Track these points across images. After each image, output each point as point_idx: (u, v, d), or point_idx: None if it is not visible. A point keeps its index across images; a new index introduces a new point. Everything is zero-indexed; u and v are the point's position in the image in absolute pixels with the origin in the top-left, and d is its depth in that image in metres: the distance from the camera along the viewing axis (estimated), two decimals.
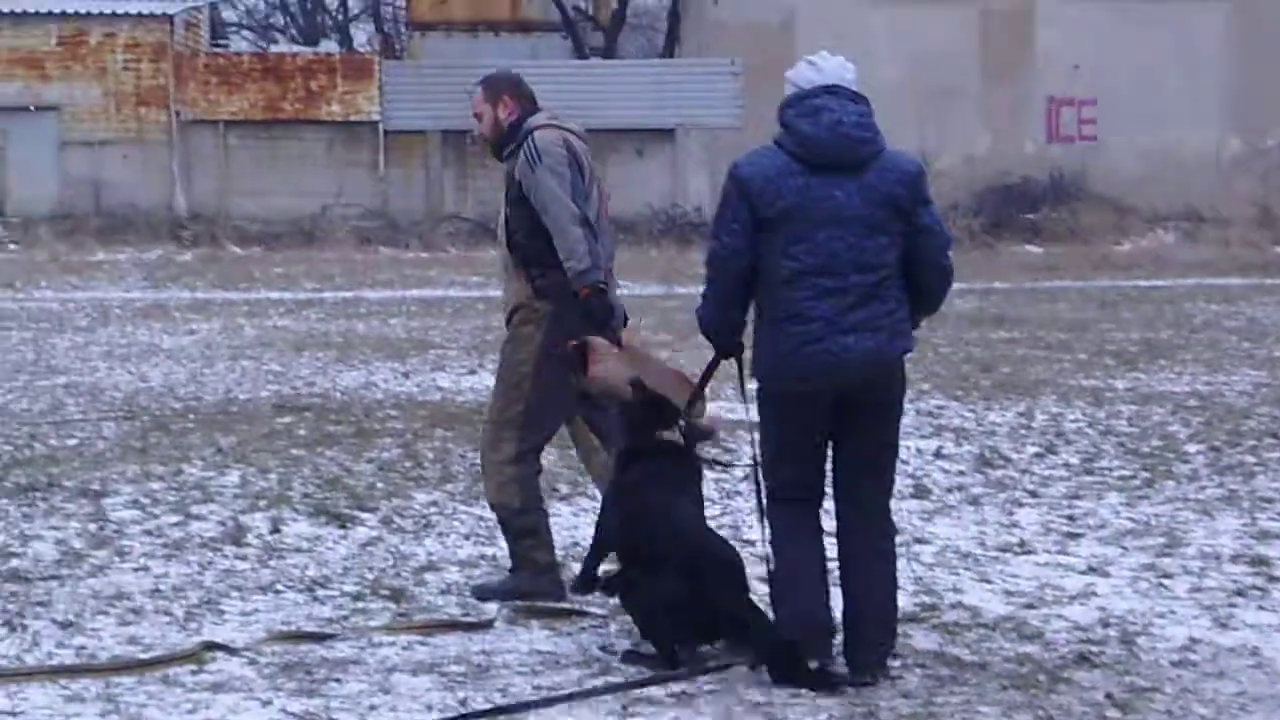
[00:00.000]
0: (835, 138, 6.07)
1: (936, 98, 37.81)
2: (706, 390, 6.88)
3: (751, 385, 6.42)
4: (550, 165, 7.33)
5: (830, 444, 6.35)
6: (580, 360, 7.02)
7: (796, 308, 6.05)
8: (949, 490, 10.02)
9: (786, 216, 6.04)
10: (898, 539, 8.53)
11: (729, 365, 6.54)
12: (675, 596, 6.33)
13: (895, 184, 6.12)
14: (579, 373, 7.03)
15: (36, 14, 38.84)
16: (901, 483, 10.08)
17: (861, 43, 37.70)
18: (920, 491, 9.96)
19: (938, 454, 11.18)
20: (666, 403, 6.80)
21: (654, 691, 6.08)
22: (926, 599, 7.49)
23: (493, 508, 7.60)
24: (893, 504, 9.51)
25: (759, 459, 6.44)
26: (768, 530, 6.39)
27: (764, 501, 6.43)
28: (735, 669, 6.34)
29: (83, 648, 6.68)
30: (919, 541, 8.66)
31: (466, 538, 8.73)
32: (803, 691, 6.08)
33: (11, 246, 33.37)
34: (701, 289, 6.33)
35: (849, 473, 6.37)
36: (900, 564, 8.02)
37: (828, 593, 6.40)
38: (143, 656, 6.51)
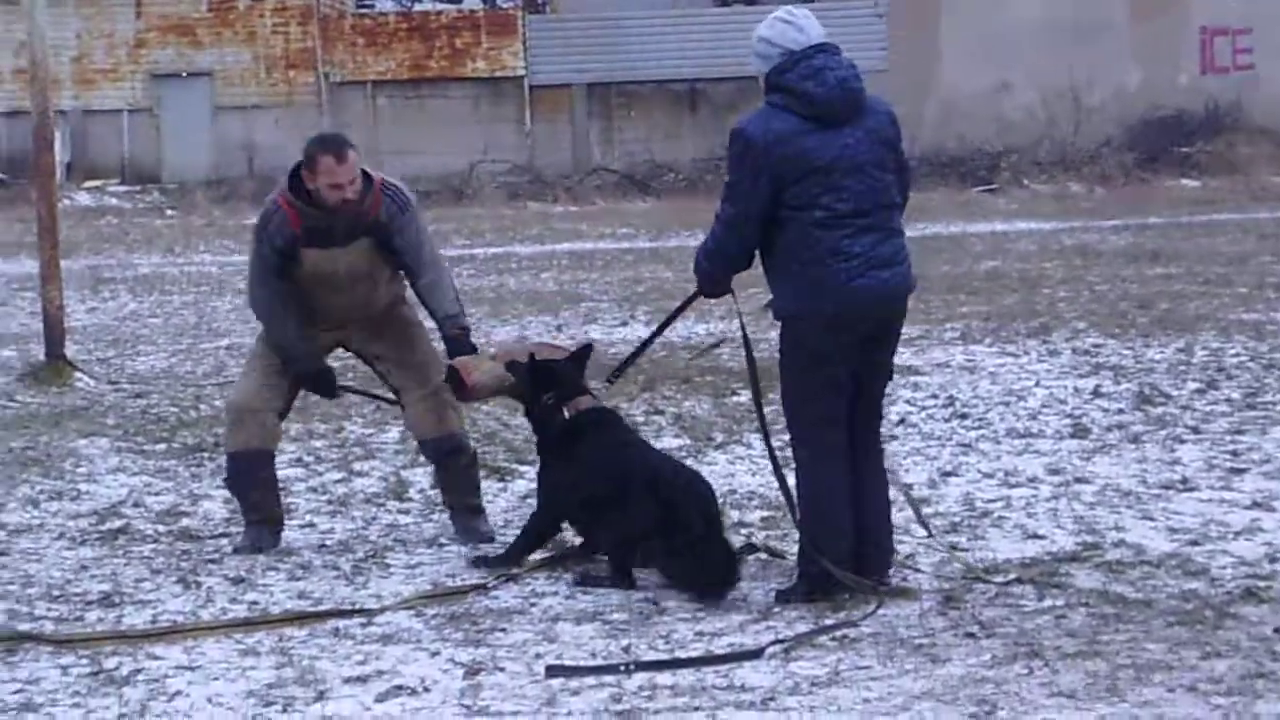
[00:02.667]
0: (843, 93, 6.46)
1: (1084, 32, 37.22)
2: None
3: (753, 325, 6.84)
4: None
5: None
6: (458, 384, 7.44)
7: (838, 246, 6.43)
8: (1108, 429, 9.93)
9: (813, 171, 6.39)
10: (1057, 480, 8.55)
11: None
12: (648, 524, 6.79)
13: (886, 124, 6.60)
14: (460, 394, 7.53)
15: None
16: (1059, 422, 10.07)
17: None
18: (1079, 431, 9.88)
19: (1096, 392, 11.07)
20: (550, 361, 7.33)
21: (819, 637, 6.10)
22: (1088, 538, 7.44)
23: None
24: (1052, 444, 9.54)
25: (782, 401, 6.72)
26: (802, 459, 6.64)
27: (772, 440, 6.79)
28: (895, 610, 6.35)
29: (255, 603, 6.83)
30: (1079, 481, 8.59)
31: None
32: (966, 632, 6.08)
33: (169, 212, 33.95)
34: (706, 243, 6.66)
35: (864, 402, 6.69)
36: (1060, 504, 8.06)
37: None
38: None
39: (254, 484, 7.71)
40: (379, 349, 7.85)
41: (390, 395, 8.02)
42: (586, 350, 7.55)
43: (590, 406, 7.32)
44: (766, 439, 6.91)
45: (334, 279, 7.58)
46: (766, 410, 6.98)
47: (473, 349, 7.62)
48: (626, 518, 6.89)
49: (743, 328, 7.02)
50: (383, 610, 6.58)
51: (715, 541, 6.83)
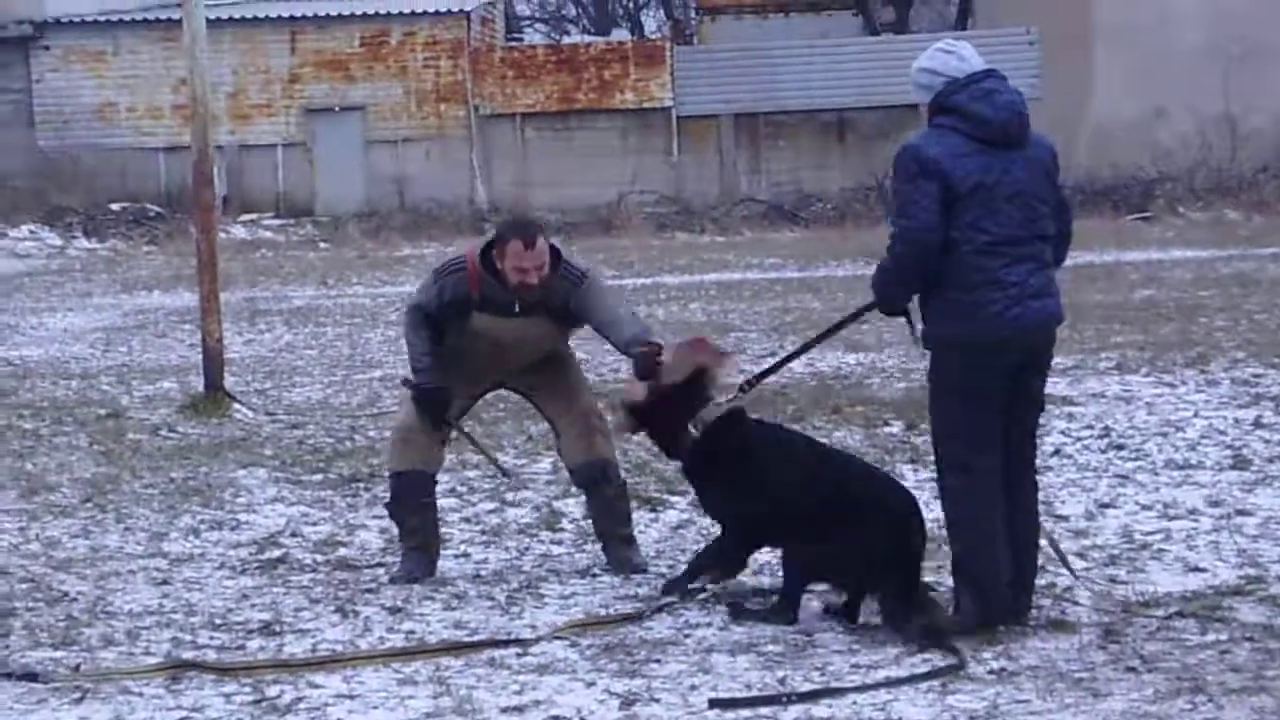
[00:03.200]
0: (1012, 117, 6.50)
1: (1243, 57, 36.69)
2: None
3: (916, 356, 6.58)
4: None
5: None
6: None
7: (994, 275, 6.43)
8: (1270, 460, 9.75)
9: (974, 192, 6.41)
10: (1217, 511, 8.41)
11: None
12: (886, 547, 6.64)
13: (1047, 156, 6.62)
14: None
15: (340, 16, 40.00)
16: (1219, 454, 9.90)
17: (1160, 3, 36.86)
18: (1240, 462, 9.72)
19: (1257, 423, 10.89)
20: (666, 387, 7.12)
21: (975, 669, 6.05)
22: (1251, 571, 7.32)
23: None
24: (1211, 476, 9.39)
25: (932, 430, 6.71)
26: (952, 486, 6.58)
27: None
28: (1054, 643, 6.28)
29: (411, 632, 6.89)
30: (1240, 513, 8.45)
31: None
32: (1127, 666, 6.00)
33: (322, 245, 34.41)
34: (882, 263, 6.61)
35: (1016, 433, 6.64)
36: (1221, 536, 7.93)
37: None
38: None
39: (414, 508, 7.79)
40: (533, 381, 7.94)
41: (499, 461, 8.54)
42: (700, 374, 7.17)
43: (718, 415, 7.11)
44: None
45: (500, 346, 7.72)
46: (918, 440, 6.93)
47: (656, 361, 7.35)
48: (858, 536, 6.68)
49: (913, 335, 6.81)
50: (537, 640, 6.61)
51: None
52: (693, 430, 7.12)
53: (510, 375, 7.95)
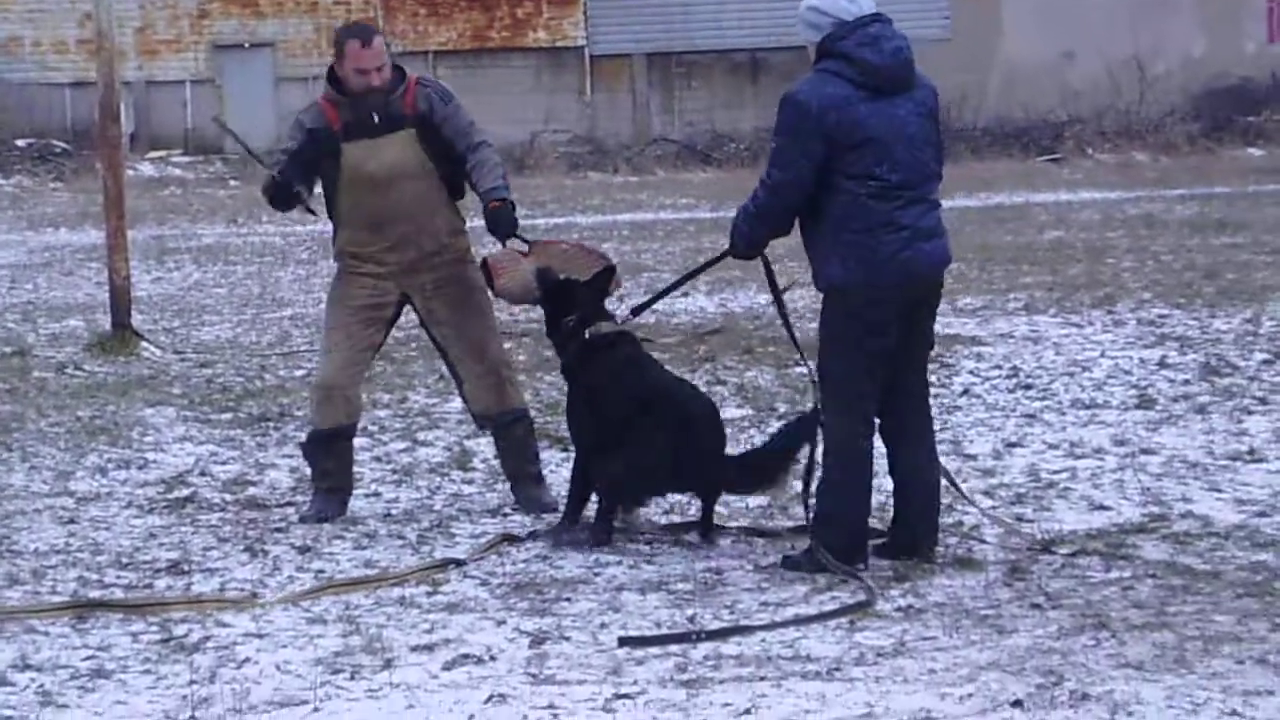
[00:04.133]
0: (899, 63, 6.50)
1: (1151, 1, 36.93)
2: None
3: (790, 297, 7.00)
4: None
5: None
6: (486, 279, 7.48)
7: (890, 217, 6.47)
8: (1174, 400, 9.87)
9: (868, 140, 6.42)
10: (1122, 450, 8.51)
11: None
12: (662, 453, 6.96)
13: (930, 97, 6.66)
14: (490, 289, 7.54)
15: None
16: (1125, 393, 10.01)
17: None
18: (1145, 401, 9.83)
19: (1162, 363, 11.01)
20: (574, 283, 7.30)
21: (882, 606, 6.10)
22: (1155, 509, 7.41)
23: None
24: (1117, 415, 9.50)
25: (822, 372, 6.70)
26: (839, 427, 6.63)
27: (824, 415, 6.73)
28: (960, 580, 6.35)
29: (321, 571, 6.87)
30: (1145, 452, 8.55)
31: None
32: (1032, 603, 6.06)
33: (232, 183, 34.10)
34: (745, 208, 6.67)
35: (908, 374, 6.71)
36: (1126, 475, 8.02)
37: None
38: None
39: (330, 454, 7.75)
40: (442, 312, 7.75)
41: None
42: (609, 273, 7.41)
43: (611, 330, 7.29)
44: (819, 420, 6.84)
45: (377, 177, 7.56)
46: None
47: (513, 223, 7.49)
48: (634, 447, 7.00)
49: (775, 291, 7.04)
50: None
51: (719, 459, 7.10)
52: (586, 334, 7.25)
53: (423, 270, 7.69)
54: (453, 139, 7.60)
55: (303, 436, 8.06)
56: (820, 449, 6.75)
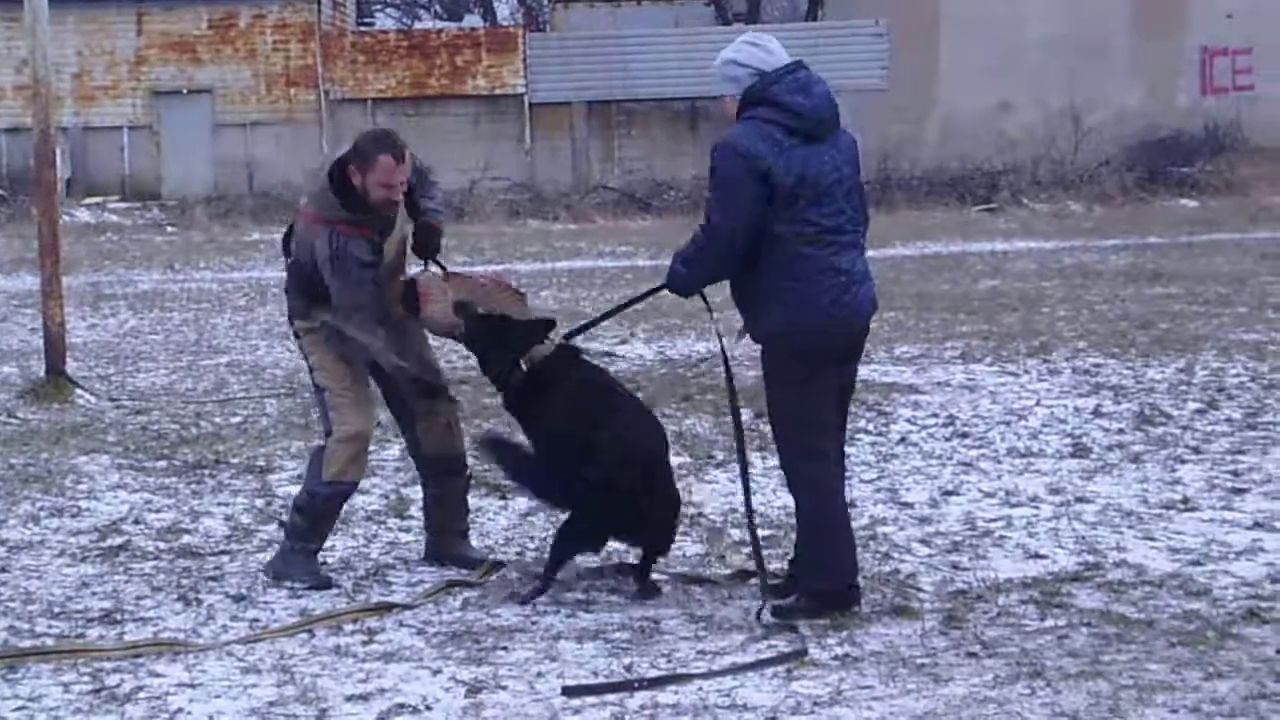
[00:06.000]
0: (828, 108, 6.60)
1: (1084, 52, 37.35)
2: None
3: (742, 347, 6.95)
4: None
5: None
6: (412, 304, 7.33)
7: (827, 263, 6.53)
8: (1109, 448, 9.93)
9: (801, 184, 6.47)
10: (1058, 499, 8.55)
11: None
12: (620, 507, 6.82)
13: (851, 145, 6.73)
14: (413, 314, 7.38)
15: None
16: (1060, 442, 10.06)
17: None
18: (1080, 450, 9.88)
19: (1096, 412, 11.08)
20: (507, 320, 7.22)
21: (818, 654, 6.10)
22: (1090, 557, 7.44)
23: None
24: (1053, 464, 9.55)
25: (773, 422, 6.75)
26: (803, 474, 6.64)
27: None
28: (897, 629, 6.36)
29: (256, 620, 6.82)
30: (1080, 500, 8.59)
31: None
32: (968, 651, 6.08)
33: (169, 229, 33.97)
34: (684, 253, 6.65)
35: (838, 417, 6.76)
36: (1061, 523, 8.06)
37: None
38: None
39: (338, 511, 7.52)
40: (399, 350, 7.57)
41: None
42: (549, 325, 7.28)
43: (548, 351, 7.18)
44: (741, 449, 6.92)
45: (379, 279, 7.35)
46: (766, 428, 7.01)
47: (437, 241, 7.43)
48: (588, 498, 6.87)
49: (721, 344, 7.02)
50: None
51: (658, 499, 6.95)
52: (522, 365, 7.18)
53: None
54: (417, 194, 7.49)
55: (238, 484, 7.98)
56: (753, 497, 6.78)
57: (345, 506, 8.78)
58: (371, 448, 10.22)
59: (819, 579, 6.60)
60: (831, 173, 6.54)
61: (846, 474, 6.91)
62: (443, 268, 7.54)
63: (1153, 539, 7.77)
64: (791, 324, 6.53)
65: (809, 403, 6.59)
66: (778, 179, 6.42)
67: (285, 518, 7.68)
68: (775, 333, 6.58)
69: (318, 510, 7.39)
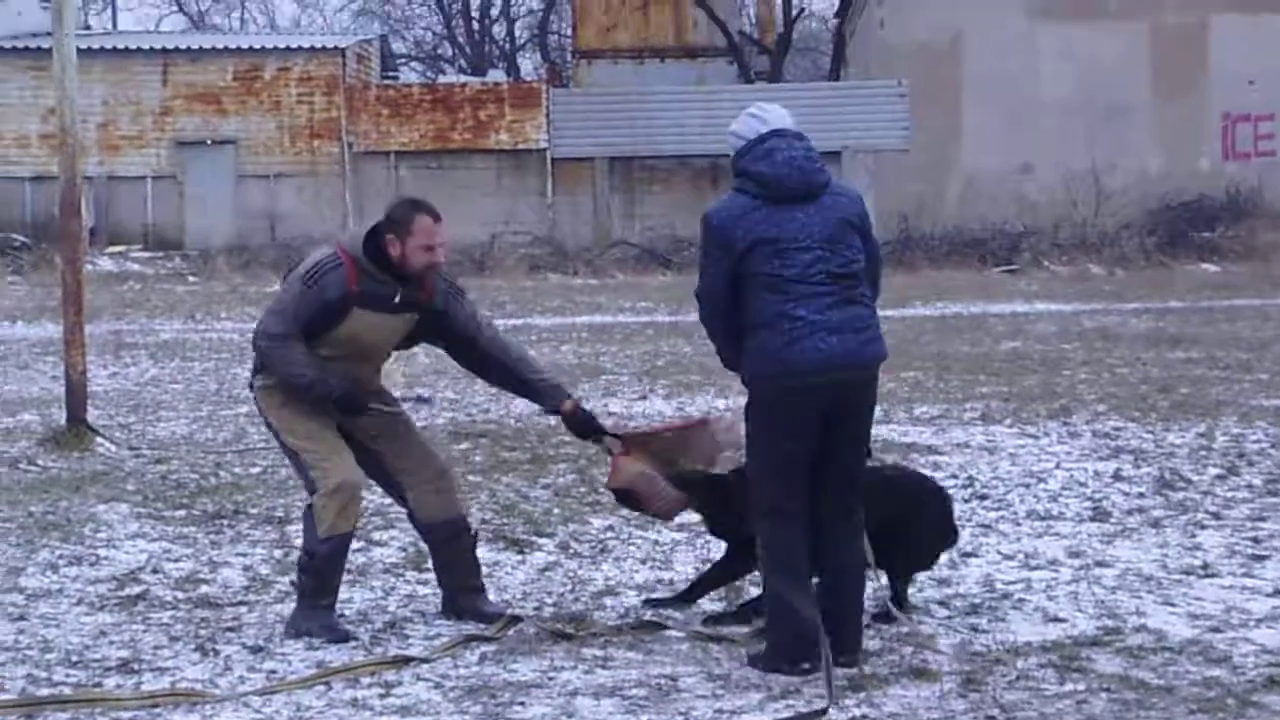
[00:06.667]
0: (791, 170, 6.72)
1: (1107, 115, 37.42)
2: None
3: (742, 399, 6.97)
4: None
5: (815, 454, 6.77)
6: (634, 505, 7.57)
7: (781, 309, 6.63)
8: (1129, 513, 9.90)
9: (760, 241, 6.65)
10: (1077, 563, 8.53)
11: None
12: None
13: (848, 207, 6.81)
14: (630, 506, 7.63)
15: (213, 50, 39.77)
16: (1080, 505, 10.04)
17: (1029, 61, 37.51)
18: (1099, 514, 9.86)
19: (1116, 476, 11.05)
20: (723, 480, 7.36)
21: (837, 715, 6.08)
22: (1109, 622, 7.41)
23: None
24: (1072, 527, 9.52)
25: (749, 465, 6.91)
26: (762, 528, 6.77)
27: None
28: (915, 691, 6.33)
29: (273, 672, 6.82)
30: (1100, 565, 8.56)
31: (643, 562, 8.79)
32: (987, 715, 6.05)
33: (191, 279, 34.10)
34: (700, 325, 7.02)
35: (834, 480, 6.76)
36: (1081, 587, 8.03)
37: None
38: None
39: (342, 562, 7.48)
40: (372, 426, 7.58)
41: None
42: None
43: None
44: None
45: (369, 350, 7.47)
46: None
47: (592, 421, 7.56)
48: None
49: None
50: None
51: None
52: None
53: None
54: (468, 334, 7.53)
55: (256, 534, 7.96)
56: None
57: (363, 559, 8.84)
58: (388, 501, 10.28)
59: (776, 630, 6.69)
60: (800, 229, 6.65)
61: (854, 533, 6.86)
62: (617, 436, 7.63)
63: (1172, 604, 7.74)
64: (753, 369, 6.72)
65: (773, 454, 6.68)
66: (738, 240, 6.66)
67: (294, 576, 7.67)
68: (746, 379, 6.78)
69: (320, 567, 7.37)
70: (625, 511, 10.01)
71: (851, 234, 6.76)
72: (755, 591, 7.42)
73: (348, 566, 8.62)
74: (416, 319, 7.46)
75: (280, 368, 7.36)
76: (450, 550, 7.68)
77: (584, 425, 7.55)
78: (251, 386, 7.64)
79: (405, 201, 7.44)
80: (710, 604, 7.68)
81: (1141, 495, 10.41)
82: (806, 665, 6.56)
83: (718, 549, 8.77)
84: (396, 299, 7.33)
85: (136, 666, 6.89)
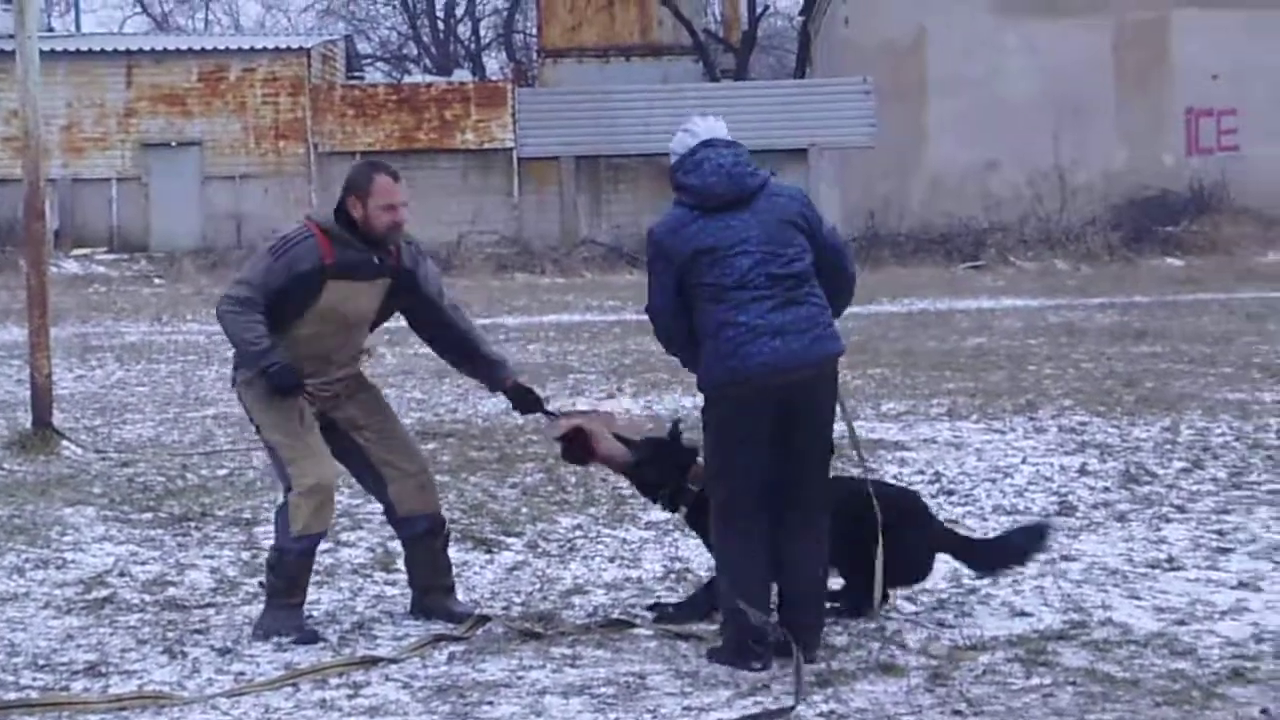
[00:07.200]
0: (720, 178, 6.80)
1: (1071, 112, 37.54)
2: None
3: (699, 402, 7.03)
4: None
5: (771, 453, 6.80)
6: (583, 449, 7.59)
7: (725, 317, 6.69)
8: (1094, 507, 9.95)
9: (698, 253, 6.73)
10: (1043, 557, 8.56)
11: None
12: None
13: (786, 207, 6.85)
14: (573, 456, 7.70)
15: (178, 51, 39.64)
16: (1046, 500, 10.07)
17: (993, 59, 37.62)
18: (1065, 508, 9.90)
19: (1082, 470, 11.10)
20: (665, 442, 7.52)
21: (804, 711, 6.10)
22: (1075, 616, 7.45)
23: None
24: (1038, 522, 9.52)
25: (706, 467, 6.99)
26: (716, 528, 6.88)
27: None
28: (882, 686, 6.36)
29: (241, 674, 6.81)
30: (1065, 559, 8.60)
31: (611, 560, 8.80)
32: (953, 709, 6.08)
33: (157, 281, 34.00)
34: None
35: (793, 477, 6.80)
36: (1047, 581, 8.06)
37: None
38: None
39: (311, 563, 7.48)
40: (359, 416, 7.63)
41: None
42: (677, 429, 7.59)
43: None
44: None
45: (350, 319, 7.43)
46: None
47: (536, 397, 7.74)
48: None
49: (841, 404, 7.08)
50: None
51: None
52: (691, 486, 7.37)
53: (340, 390, 7.58)
54: (433, 296, 7.56)
55: (224, 536, 7.95)
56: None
57: (331, 560, 8.83)
58: (356, 501, 10.30)
59: (726, 631, 6.78)
60: (735, 236, 6.71)
61: (817, 538, 6.88)
62: (550, 414, 7.78)
63: (1138, 598, 7.78)
64: (702, 379, 6.80)
65: (728, 460, 6.75)
66: (676, 253, 6.75)
67: (263, 576, 7.67)
68: (700, 387, 6.86)
69: (290, 567, 7.37)
70: (593, 511, 10.04)
71: (794, 234, 6.79)
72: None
73: (315, 567, 8.63)
74: (390, 283, 7.48)
75: (234, 331, 7.31)
76: (426, 547, 7.68)
77: (527, 400, 7.71)
78: (234, 382, 7.63)
79: (364, 164, 7.56)
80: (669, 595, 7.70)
81: (1107, 489, 10.46)
82: (758, 665, 6.62)
83: (685, 547, 8.79)
84: (376, 260, 7.35)
85: (104, 669, 6.87)
